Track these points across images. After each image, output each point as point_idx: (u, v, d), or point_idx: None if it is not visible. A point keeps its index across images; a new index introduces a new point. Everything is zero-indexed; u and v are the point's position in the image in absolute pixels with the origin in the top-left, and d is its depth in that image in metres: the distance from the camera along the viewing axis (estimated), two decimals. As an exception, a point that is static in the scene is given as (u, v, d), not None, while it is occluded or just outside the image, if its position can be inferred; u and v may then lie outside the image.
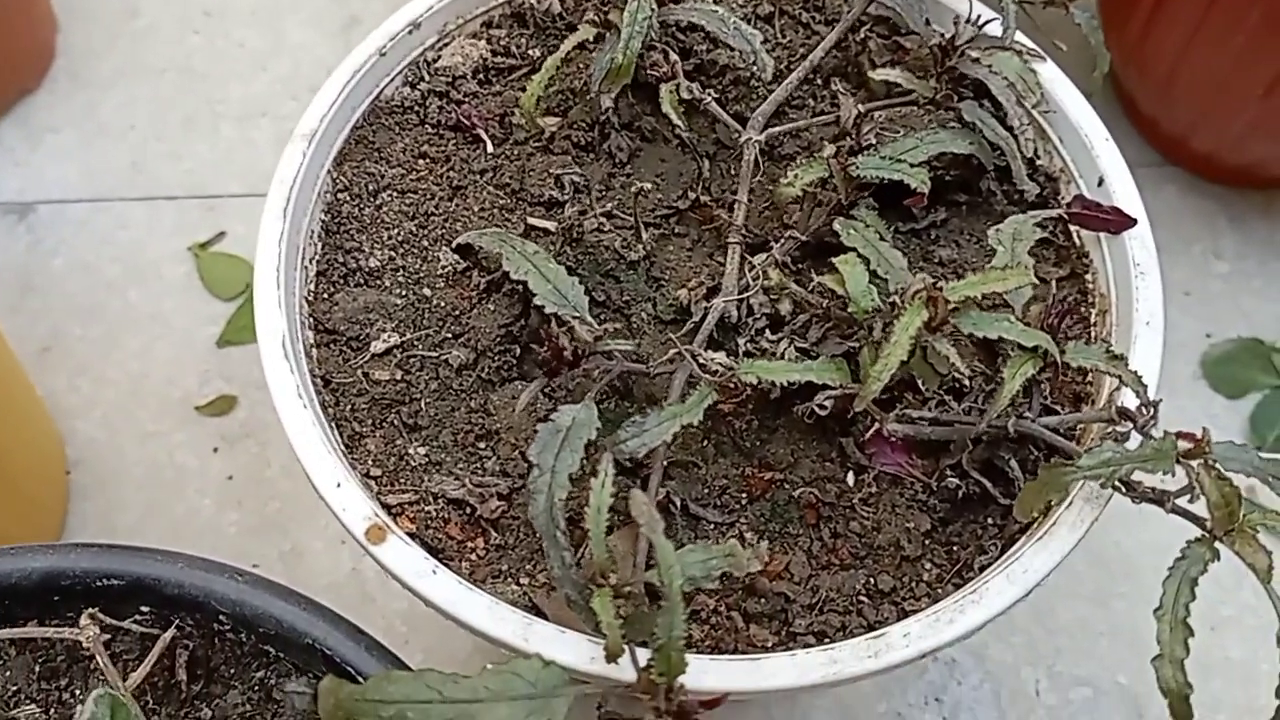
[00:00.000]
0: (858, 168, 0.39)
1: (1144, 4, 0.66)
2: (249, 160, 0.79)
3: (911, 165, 0.39)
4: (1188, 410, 0.70)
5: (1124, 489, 0.33)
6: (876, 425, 0.35)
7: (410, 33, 0.45)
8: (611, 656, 0.31)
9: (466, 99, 0.46)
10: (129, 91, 0.82)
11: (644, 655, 0.30)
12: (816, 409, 0.35)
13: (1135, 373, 0.33)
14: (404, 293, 0.42)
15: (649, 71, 0.43)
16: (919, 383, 0.37)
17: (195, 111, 0.81)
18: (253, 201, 0.77)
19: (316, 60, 0.83)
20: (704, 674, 0.33)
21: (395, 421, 0.40)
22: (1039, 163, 0.44)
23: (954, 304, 0.33)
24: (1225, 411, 0.70)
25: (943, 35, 0.41)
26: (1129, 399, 0.34)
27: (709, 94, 0.43)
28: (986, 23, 0.43)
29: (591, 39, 0.43)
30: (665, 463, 0.39)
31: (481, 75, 0.46)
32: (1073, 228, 0.42)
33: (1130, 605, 0.64)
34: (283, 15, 0.85)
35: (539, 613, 0.36)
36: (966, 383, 0.39)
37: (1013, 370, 0.32)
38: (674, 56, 0.42)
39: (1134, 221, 0.40)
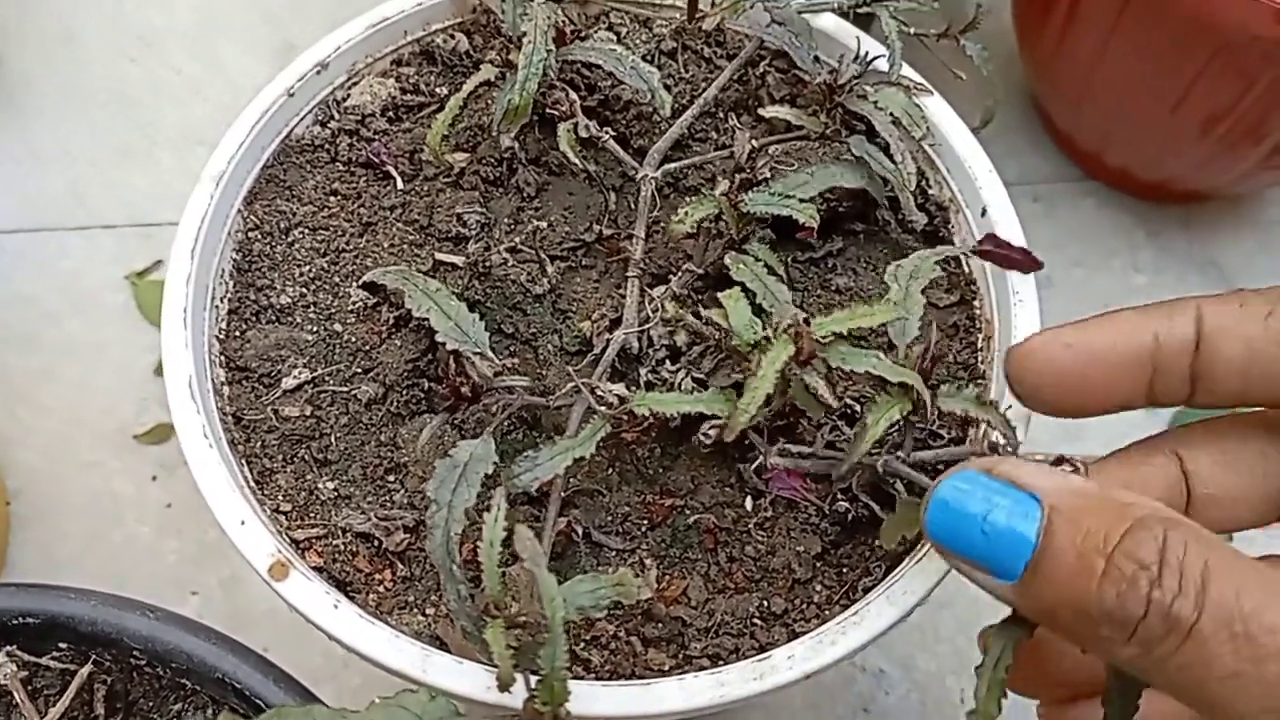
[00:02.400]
0: (748, 204, 0.40)
1: (1055, 21, 0.68)
2: (186, 188, 0.79)
3: (801, 200, 0.41)
4: (1109, 421, 0.71)
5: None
6: (760, 457, 0.37)
7: (319, 73, 0.46)
8: (504, 686, 0.32)
9: (376, 136, 0.47)
10: (66, 119, 0.82)
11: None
12: (701, 438, 0.37)
13: (1004, 417, 0.34)
14: (315, 329, 0.43)
15: (552, 109, 0.44)
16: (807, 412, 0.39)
17: (132, 139, 0.82)
18: (190, 228, 0.78)
19: (253, 87, 0.83)
20: (595, 700, 0.34)
21: (305, 457, 0.41)
22: (930, 192, 0.45)
23: (821, 339, 0.34)
24: (1146, 420, 0.71)
25: (830, 72, 0.43)
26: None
27: (607, 131, 0.44)
28: (874, 59, 0.44)
29: (494, 78, 0.44)
30: (570, 492, 0.40)
31: (391, 113, 0.47)
32: (967, 268, 0.44)
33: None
34: (219, 42, 0.86)
35: (443, 644, 0.37)
36: (859, 408, 0.41)
37: (876, 416, 0.33)
38: (573, 96, 0.43)
39: (1040, 265, 0.42)
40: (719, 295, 0.39)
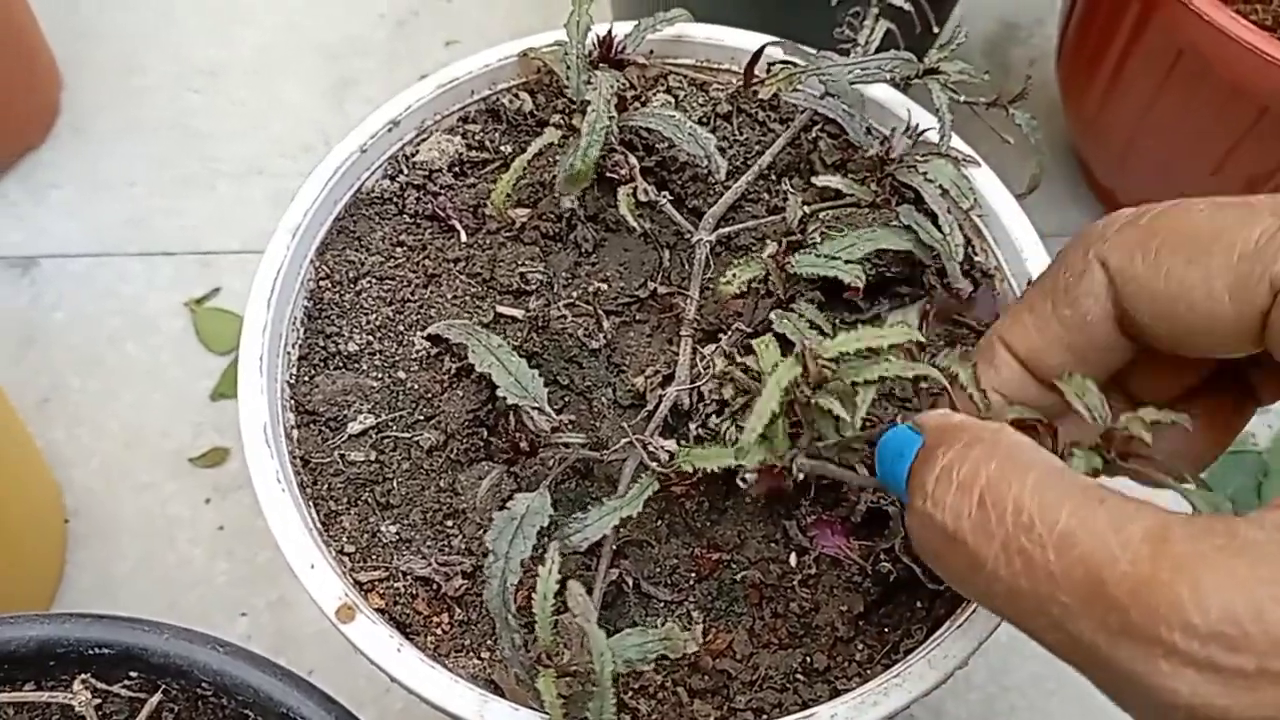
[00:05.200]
0: (795, 265, 0.42)
1: (1100, 82, 0.69)
2: (244, 217, 0.82)
3: (846, 262, 0.42)
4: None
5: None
6: (777, 469, 0.37)
7: (390, 130, 0.48)
8: (555, 733, 0.34)
9: (442, 190, 0.49)
10: (130, 148, 0.85)
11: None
12: (740, 483, 0.38)
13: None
14: (380, 376, 0.45)
15: (611, 171, 0.46)
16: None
17: (193, 169, 0.84)
18: (247, 258, 0.80)
19: (310, 120, 0.86)
20: (644, 750, 0.35)
21: (369, 500, 0.43)
22: (976, 259, 0.47)
23: (829, 360, 0.34)
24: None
25: (881, 143, 0.44)
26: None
27: (665, 196, 0.46)
28: (923, 132, 0.46)
29: (557, 140, 0.46)
30: (620, 542, 0.42)
31: (457, 168, 0.49)
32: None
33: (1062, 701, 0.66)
34: (279, 76, 0.89)
35: (498, 688, 0.39)
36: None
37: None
38: (632, 160, 0.45)
39: None
40: (752, 341, 0.40)
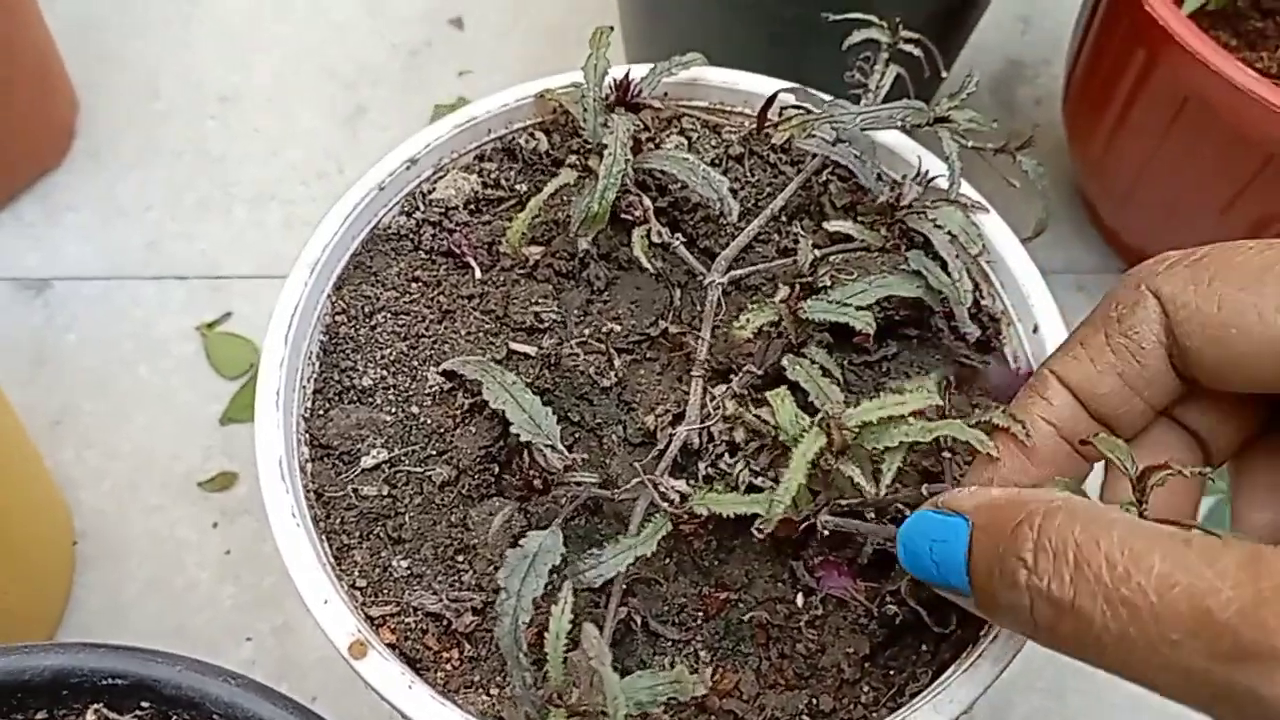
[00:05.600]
0: (807, 311, 0.43)
1: (1106, 125, 0.70)
2: (258, 242, 0.83)
3: (857, 308, 0.43)
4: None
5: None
6: (807, 521, 0.38)
7: (408, 168, 0.49)
8: (566, 773, 0.34)
9: (458, 228, 0.49)
10: (146, 172, 0.86)
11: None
12: (755, 532, 0.38)
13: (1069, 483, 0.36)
14: (394, 410, 0.46)
15: (625, 212, 0.47)
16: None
17: (208, 193, 0.85)
18: (260, 283, 0.81)
19: (325, 147, 0.87)
20: (652, 790, 0.36)
21: (381, 534, 0.43)
22: (984, 304, 0.47)
23: (853, 429, 0.35)
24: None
25: (892, 190, 0.45)
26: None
27: (678, 237, 0.46)
28: (933, 179, 0.46)
29: (573, 181, 0.47)
30: (629, 580, 0.42)
31: (472, 206, 0.50)
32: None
33: (1086, 699, 0.66)
34: (294, 103, 0.90)
35: (506, 725, 0.39)
36: (908, 511, 0.43)
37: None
38: (646, 202, 0.46)
39: None
40: (767, 394, 0.41)
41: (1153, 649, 0.27)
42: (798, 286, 0.44)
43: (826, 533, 0.40)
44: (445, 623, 0.41)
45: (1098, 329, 0.36)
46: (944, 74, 0.53)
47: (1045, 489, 0.32)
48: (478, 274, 0.49)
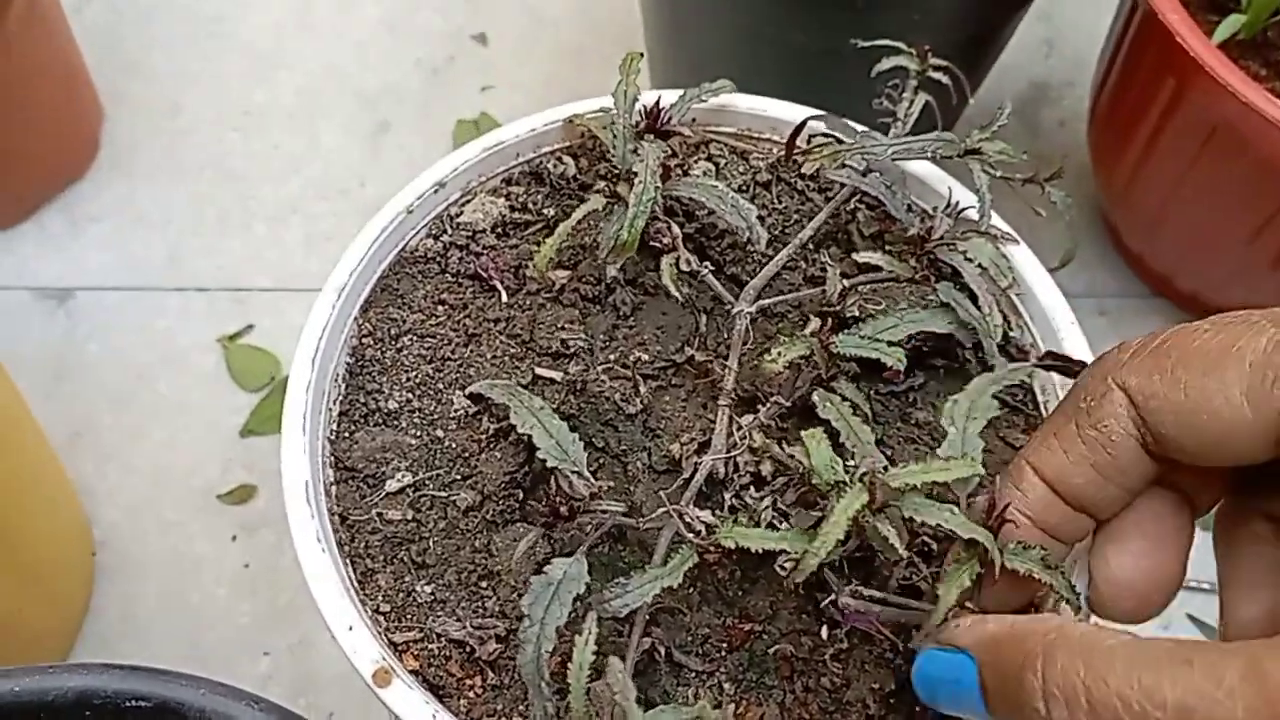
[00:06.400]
0: (838, 346, 0.42)
1: (1132, 151, 0.70)
2: (279, 257, 0.83)
3: (889, 344, 0.43)
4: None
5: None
6: (833, 596, 0.38)
7: (436, 191, 0.49)
8: (588, 806, 0.34)
9: (484, 251, 0.50)
10: (169, 185, 0.87)
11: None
12: (779, 569, 0.38)
13: (1068, 581, 0.36)
14: (419, 434, 0.46)
15: (654, 239, 0.47)
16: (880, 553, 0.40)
17: (230, 208, 0.86)
18: (280, 296, 0.81)
19: (347, 164, 0.88)
20: (675, 826, 0.35)
21: (405, 559, 0.43)
22: (1012, 335, 0.47)
23: (895, 489, 0.36)
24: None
25: (922, 221, 0.45)
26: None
27: (706, 266, 0.46)
28: (963, 210, 0.46)
29: (601, 207, 0.47)
30: (653, 610, 0.42)
31: (499, 229, 0.50)
32: (1041, 398, 0.46)
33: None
34: (317, 119, 0.90)
35: (529, 754, 0.39)
36: (934, 545, 0.42)
37: (948, 586, 0.35)
38: (675, 229, 0.46)
39: None
40: (803, 434, 0.41)
41: None
42: (830, 320, 0.44)
43: (847, 565, 0.40)
44: (468, 650, 0.41)
45: (1069, 419, 0.36)
46: (970, 99, 0.53)
47: (1040, 618, 0.33)
48: (504, 298, 0.49)
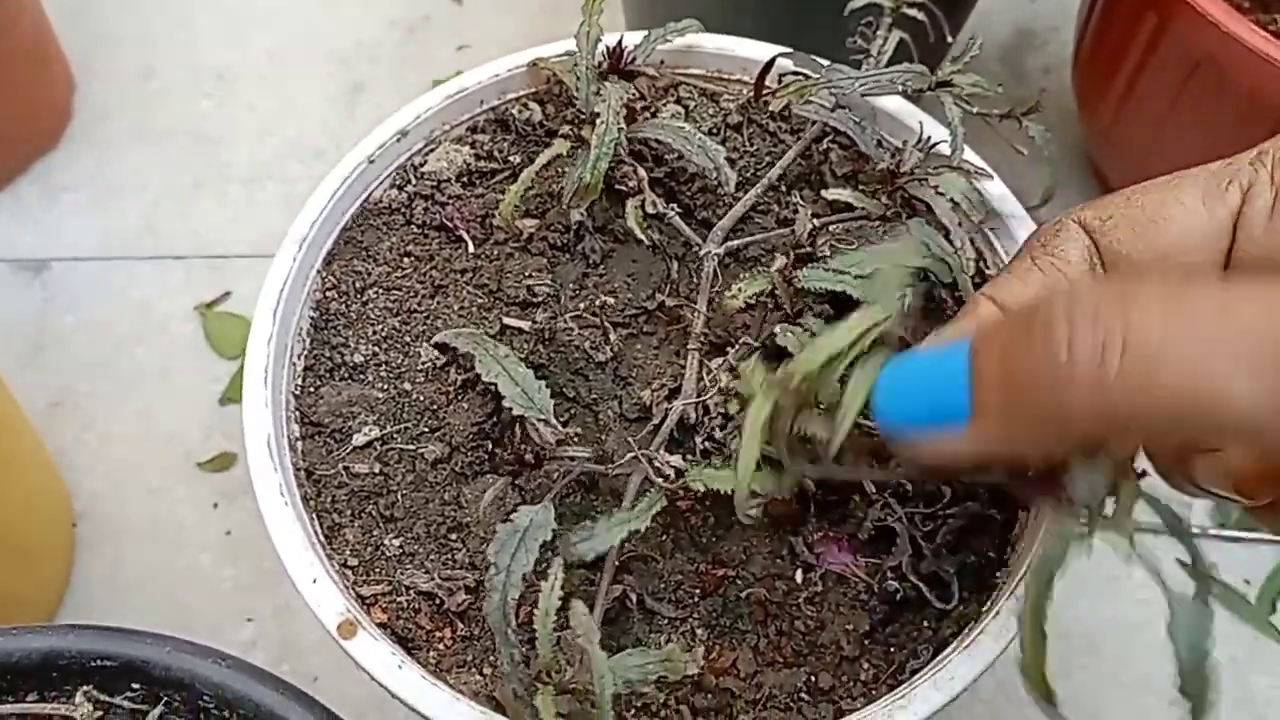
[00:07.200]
0: (802, 280, 0.41)
1: (1115, 90, 0.69)
2: (255, 221, 0.82)
3: (855, 277, 0.42)
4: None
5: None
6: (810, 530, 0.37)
7: (398, 140, 0.48)
8: (555, 752, 0.34)
9: (450, 201, 0.49)
10: (142, 152, 0.85)
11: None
12: (744, 519, 0.37)
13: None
14: (386, 387, 0.45)
15: (620, 183, 0.46)
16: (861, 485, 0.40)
17: (204, 173, 0.84)
18: (258, 261, 0.80)
19: (321, 125, 0.86)
20: (645, 770, 0.35)
21: (373, 513, 0.43)
22: (987, 272, 0.46)
23: (803, 381, 0.32)
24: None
25: (893, 157, 0.44)
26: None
27: (673, 208, 0.45)
28: (935, 144, 0.45)
29: (566, 151, 0.46)
30: (624, 557, 0.41)
31: (465, 178, 0.49)
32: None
33: (1091, 677, 0.65)
34: (290, 81, 0.89)
35: (500, 705, 0.38)
36: (909, 487, 0.42)
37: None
38: (641, 172, 0.45)
39: None
40: (738, 366, 0.40)
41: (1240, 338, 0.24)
42: (794, 255, 0.43)
43: (820, 507, 0.39)
44: (438, 602, 0.41)
45: (1024, 256, 0.37)
46: (950, 40, 0.52)
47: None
48: (470, 248, 0.48)
